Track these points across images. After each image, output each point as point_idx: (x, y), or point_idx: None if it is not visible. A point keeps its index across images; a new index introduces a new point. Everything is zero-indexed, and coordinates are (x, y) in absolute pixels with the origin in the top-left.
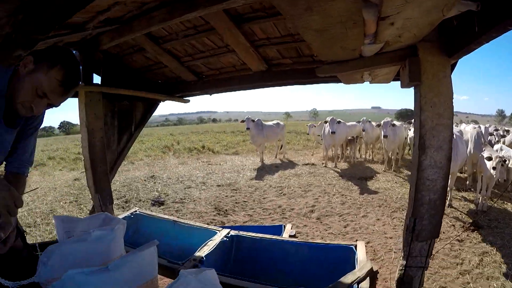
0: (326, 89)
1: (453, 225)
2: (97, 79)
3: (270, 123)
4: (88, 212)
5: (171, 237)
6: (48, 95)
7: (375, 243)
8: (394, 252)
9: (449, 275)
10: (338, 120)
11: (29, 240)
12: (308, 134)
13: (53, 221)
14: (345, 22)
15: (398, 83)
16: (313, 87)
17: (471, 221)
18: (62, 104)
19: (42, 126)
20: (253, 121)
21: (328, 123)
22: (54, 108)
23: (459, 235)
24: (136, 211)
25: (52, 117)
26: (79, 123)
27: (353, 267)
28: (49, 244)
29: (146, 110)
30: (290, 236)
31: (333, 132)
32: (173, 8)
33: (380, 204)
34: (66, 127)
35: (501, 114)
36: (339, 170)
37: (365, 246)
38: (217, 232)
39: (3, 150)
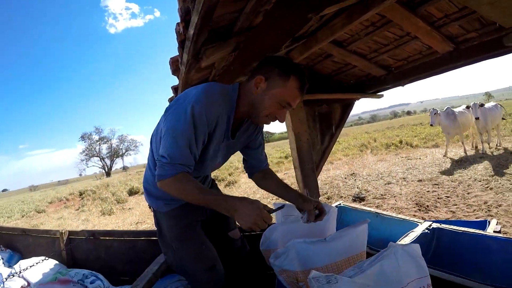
0: None
1: None
2: None
3: (459, 109)
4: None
5: (373, 227)
6: (291, 104)
7: None
8: None
9: None
10: None
11: None
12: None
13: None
14: None
15: None
16: None
17: None
18: None
19: None
20: (435, 114)
21: None
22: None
23: None
24: (340, 204)
25: None
26: (277, 132)
27: None
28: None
29: (343, 111)
30: (494, 231)
31: None
32: (349, 13)
33: None
34: (266, 136)
35: None
36: None
37: None
38: (418, 224)
39: (227, 157)
